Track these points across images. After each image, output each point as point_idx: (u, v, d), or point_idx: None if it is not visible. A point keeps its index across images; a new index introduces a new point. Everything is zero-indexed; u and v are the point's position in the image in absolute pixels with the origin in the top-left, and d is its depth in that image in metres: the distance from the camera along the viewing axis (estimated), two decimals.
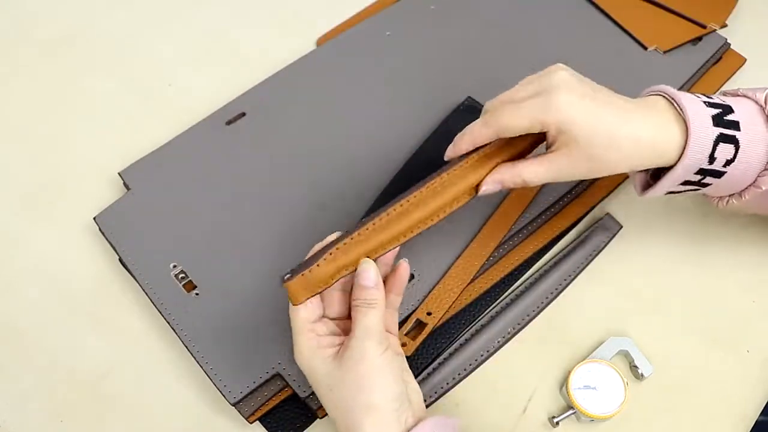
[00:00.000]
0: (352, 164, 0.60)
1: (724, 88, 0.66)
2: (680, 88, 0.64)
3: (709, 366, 0.53)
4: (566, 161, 0.46)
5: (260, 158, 0.61)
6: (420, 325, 0.53)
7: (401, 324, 0.53)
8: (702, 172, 0.47)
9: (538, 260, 0.57)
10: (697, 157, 0.46)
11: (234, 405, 0.50)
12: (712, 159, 0.46)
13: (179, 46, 0.71)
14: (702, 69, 0.66)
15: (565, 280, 0.56)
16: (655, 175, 0.50)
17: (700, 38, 0.67)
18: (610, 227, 0.59)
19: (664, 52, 0.66)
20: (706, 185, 0.48)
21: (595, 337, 0.54)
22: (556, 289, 0.56)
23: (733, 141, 0.46)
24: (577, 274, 0.57)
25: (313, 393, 0.50)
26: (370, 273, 0.45)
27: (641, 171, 0.50)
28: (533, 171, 0.47)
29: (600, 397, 0.50)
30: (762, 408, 0.52)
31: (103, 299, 0.57)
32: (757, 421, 0.51)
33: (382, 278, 0.46)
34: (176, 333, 0.53)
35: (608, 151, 0.45)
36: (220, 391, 0.50)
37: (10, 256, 0.59)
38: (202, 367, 0.51)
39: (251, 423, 0.50)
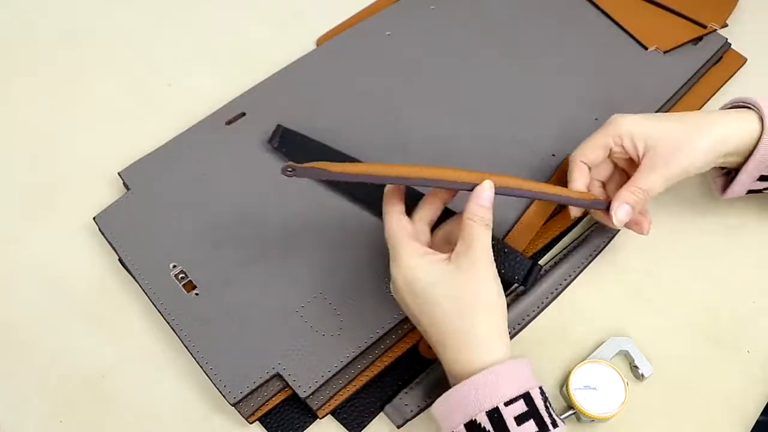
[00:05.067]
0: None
1: (725, 88, 0.66)
2: (681, 88, 0.64)
3: (709, 366, 0.53)
4: (658, 163, 0.51)
5: (260, 158, 0.61)
6: None
7: None
8: None
9: (538, 260, 0.57)
10: None
11: (234, 405, 0.50)
12: None
13: (179, 45, 0.71)
14: (702, 69, 0.66)
15: (565, 280, 0.56)
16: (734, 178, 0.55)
17: (700, 38, 0.67)
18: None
19: (665, 52, 0.66)
20: None
21: (595, 337, 0.54)
22: (556, 289, 0.56)
23: None
24: (577, 274, 0.57)
25: (313, 393, 0.50)
26: (489, 195, 0.47)
27: (720, 175, 0.56)
28: (649, 182, 0.52)
29: (600, 398, 0.50)
30: (762, 408, 0.52)
31: (103, 299, 0.57)
32: (757, 421, 0.51)
33: None
34: (176, 333, 0.53)
35: (680, 148, 0.51)
36: (220, 391, 0.50)
37: (10, 256, 0.59)
38: (202, 367, 0.51)
39: (251, 423, 0.50)
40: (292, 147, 0.60)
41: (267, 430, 0.51)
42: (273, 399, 0.51)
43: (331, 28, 0.71)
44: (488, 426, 0.42)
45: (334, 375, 0.50)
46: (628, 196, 0.52)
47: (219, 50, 0.71)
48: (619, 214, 0.52)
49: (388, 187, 0.49)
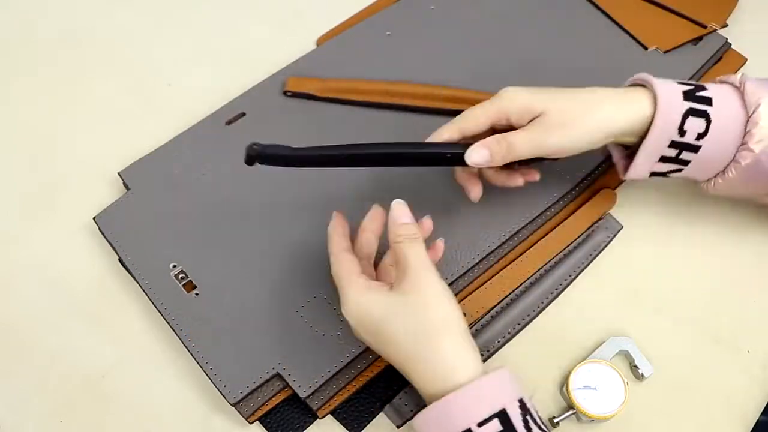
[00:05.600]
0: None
1: None
2: None
3: (709, 366, 0.53)
4: (538, 129, 0.49)
5: None
6: None
7: None
8: (676, 145, 0.49)
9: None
10: (666, 127, 0.49)
11: (234, 405, 0.50)
12: (682, 131, 0.49)
13: (179, 46, 0.71)
14: (702, 69, 0.66)
15: (565, 280, 0.56)
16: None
17: (700, 38, 0.67)
18: (610, 227, 0.59)
19: (665, 52, 0.66)
20: (686, 162, 0.50)
21: (595, 337, 0.54)
22: (556, 289, 0.56)
23: (704, 115, 0.48)
24: (578, 274, 0.57)
25: (313, 393, 0.50)
26: (404, 210, 0.47)
27: (623, 156, 0.53)
28: (518, 138, 0.49)
29: (600, 398, 0.50)
30: (762, 408, 0.52)
31: (103, 299, 0.57)
32: (757, 421, 0.51)
33: None
34: (176, 333, 0.53)
35: (566, 124, 0.49)
36: (220, 391, 0.50)
37: (10, 256, 0.59)
38: (202, 367, 0.51)
39: (251, 423, 0.50)
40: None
41: (267, 430, 0.51)
42: (273, 399, 0.51)
43: (331, 28, 0.71)
44: None
45: (334, 375, 0.50)
46: (491, 141, 0.48)
47: (219, 50, 0.71)
48: (474, 155, 0.48)
49: (331, 226, 0.49)
